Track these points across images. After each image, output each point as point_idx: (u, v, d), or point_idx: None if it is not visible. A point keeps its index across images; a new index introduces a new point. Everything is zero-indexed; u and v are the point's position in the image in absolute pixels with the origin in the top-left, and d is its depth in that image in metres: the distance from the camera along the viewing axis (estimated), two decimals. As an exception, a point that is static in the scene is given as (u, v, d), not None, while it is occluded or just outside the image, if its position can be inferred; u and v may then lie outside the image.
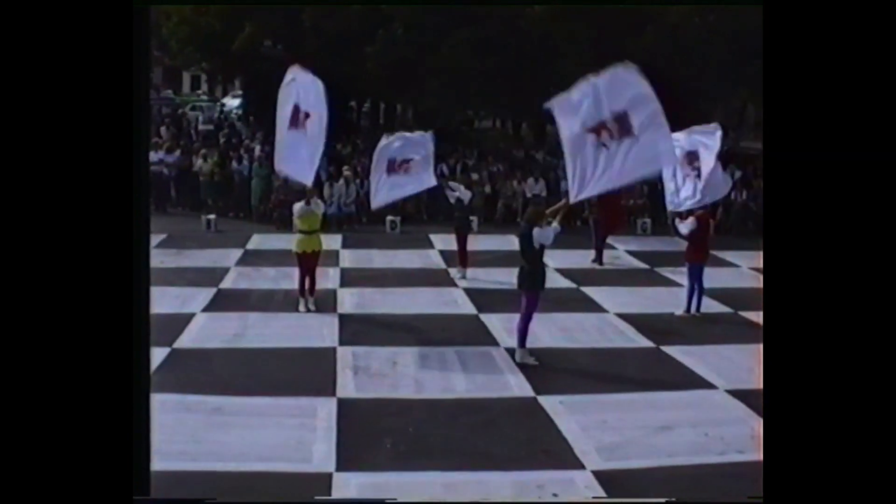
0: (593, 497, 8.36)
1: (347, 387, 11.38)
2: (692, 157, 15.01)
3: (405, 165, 17.15)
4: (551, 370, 12.23)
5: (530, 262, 12.40)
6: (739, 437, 9.85)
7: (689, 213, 15.61)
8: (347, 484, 8.49)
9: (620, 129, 11.13)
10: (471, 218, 20.28)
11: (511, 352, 12.68)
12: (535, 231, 12.18)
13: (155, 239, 19.52)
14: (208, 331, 13.92)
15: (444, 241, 21.23)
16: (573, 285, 17.84)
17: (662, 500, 7.87)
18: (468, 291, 17.08)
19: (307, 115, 14.02)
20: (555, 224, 12.25)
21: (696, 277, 15.64)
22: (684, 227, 15.50)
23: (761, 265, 18.35)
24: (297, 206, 15.34)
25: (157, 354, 11.72)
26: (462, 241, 18.69)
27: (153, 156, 25.59)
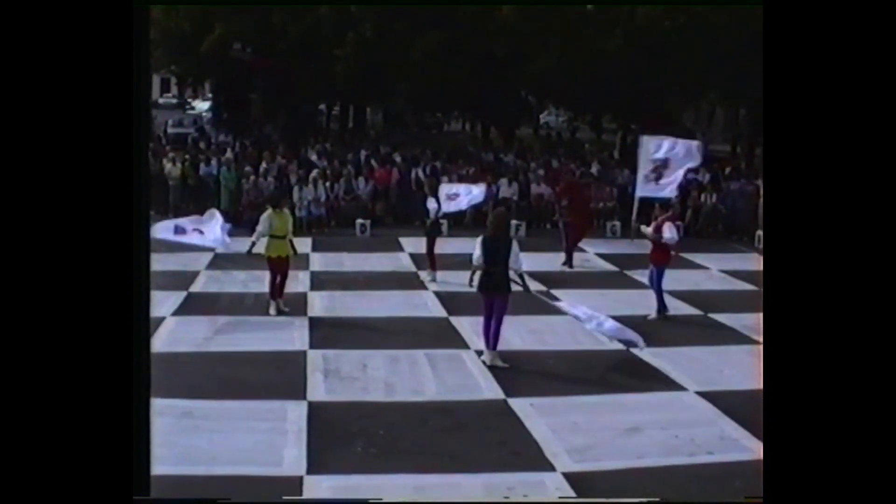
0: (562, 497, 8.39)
1: (318, 390, 11.37)
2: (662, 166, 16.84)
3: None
4: (521, 373, 12.26)
5: (504, 266, 12.50)
6: (709, 439, 9.91)
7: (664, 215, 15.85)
8: (318, 487, 8.47)
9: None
10: (440, 221, 20.29)
11: (480, 354, 12.69)
12: (514, 252, 12.65)
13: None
14: (178, 335, 13.87)
15: (414, 244, 21.22)
16: (543, 288, 17.88)
17: (661, 500, 7.92)
18: (438, 294, 17.07)
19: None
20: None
21: (656, 279, 15.69)
22: (668, 232, 15.57)
23: (731, 267, 18.59)
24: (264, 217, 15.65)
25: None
26: (431, 244, 18.70)
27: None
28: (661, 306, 15.66)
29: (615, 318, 14.83)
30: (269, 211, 15.62)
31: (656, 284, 15.63)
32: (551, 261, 20.34)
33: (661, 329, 14.96)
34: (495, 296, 12.63)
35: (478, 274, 12.95)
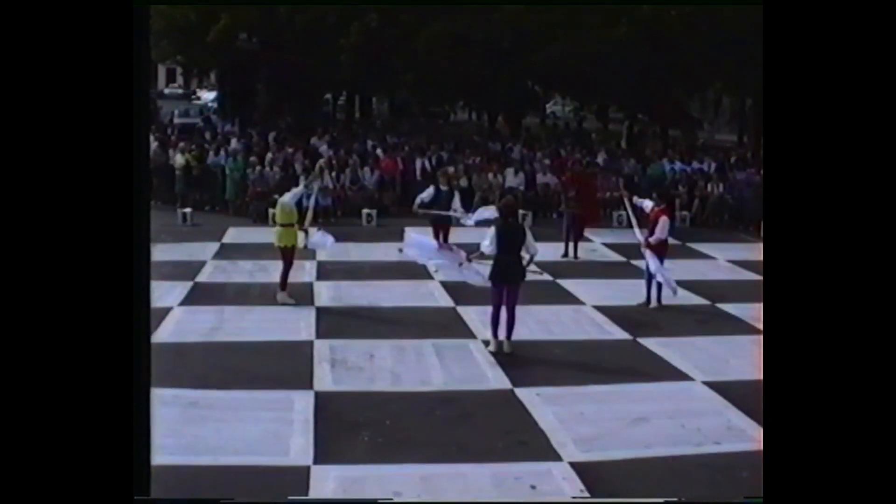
0: (578, 492, 8.36)
1: (324, 380, 11.36)
2: None
3: None
4: (528, 362, 12.24)
5: (517, 254, 12.57)
6: (716, 429, 9.89)
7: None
8: (325, 477, 8.46)
9: None
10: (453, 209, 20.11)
11: (487, 344, 12.68)
12: (529, 239, 12.79)
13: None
14: (185, 325, 13.87)
15: (421, 233, 21.14)
16: (549, 278, 17.86)
17: (662, 500, 7.89)
18: (445, 284, 17.00)
19: None
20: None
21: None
22: (660, 232, 15.47)
23: (738, 257, 18.52)
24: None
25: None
26: (444, 234, 18.55)
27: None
28: (658, 295, 15.60)
29: (620, 307, 14.86)
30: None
31: (648, 271, 15.58)
32: (558, 250, 20.31)
33: (667, 319, 14.95)
34: (508, 284, 12.61)
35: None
